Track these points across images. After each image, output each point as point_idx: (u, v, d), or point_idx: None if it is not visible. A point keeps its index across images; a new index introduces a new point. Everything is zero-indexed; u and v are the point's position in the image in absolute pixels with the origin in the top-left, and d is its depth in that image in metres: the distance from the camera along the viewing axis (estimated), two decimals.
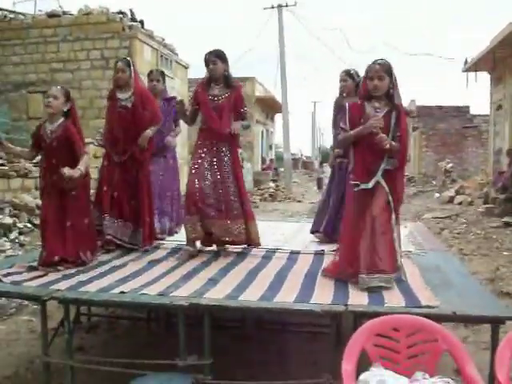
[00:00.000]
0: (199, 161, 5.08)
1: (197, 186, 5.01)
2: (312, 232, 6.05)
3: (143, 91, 5.41)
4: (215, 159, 5.08)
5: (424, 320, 2.92)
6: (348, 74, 5.73)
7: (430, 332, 2.85)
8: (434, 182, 26.54)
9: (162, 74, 6.37)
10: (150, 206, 5.43)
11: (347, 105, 4.27)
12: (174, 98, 6.48)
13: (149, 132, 5.25)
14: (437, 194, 20.80)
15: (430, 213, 15.12)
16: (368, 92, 4.10)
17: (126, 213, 5.26)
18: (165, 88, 6.36)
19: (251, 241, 5.20)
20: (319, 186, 26.22)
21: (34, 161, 11.34)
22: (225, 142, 5.10)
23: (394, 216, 4.05)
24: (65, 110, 4.60)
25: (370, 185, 4.00)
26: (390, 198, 4.03)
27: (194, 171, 5.08)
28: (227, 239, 5.09)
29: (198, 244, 5.21)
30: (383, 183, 4.01)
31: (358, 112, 4.12)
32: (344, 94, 5.75)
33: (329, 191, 6.05)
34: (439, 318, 3.20)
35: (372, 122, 3.97)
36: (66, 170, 4.36)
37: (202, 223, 4.99)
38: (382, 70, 4.00)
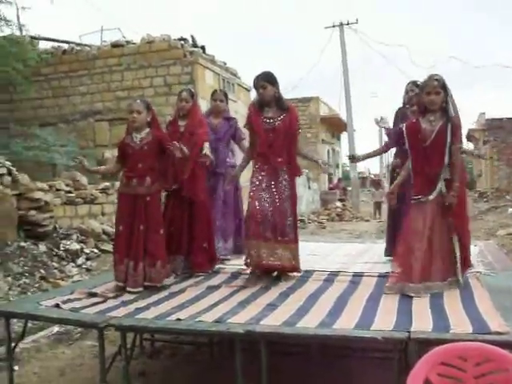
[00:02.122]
0: (257, 183, 5.01)
1: (257, 208, 4.94)
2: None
3: (202, 121, 5.57)
4: (273, 182, 5.00)
5: (493, 348, 2.71)
6: (416, 85, 5.58)
7: (500, 361, 2.64)
8: (508, 197, 25.63)
9: (226, 94, 6.47)
10: (209, 231, 5.46)
11: (404, 128, 4.52)
12: (233, 118, 6.53)
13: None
14: (511, 210, 20.05)
15: (505, 229, 14.54)
16: (424, 106, 4.36)
17: (181, 246, 5.36)
18: (227, 108, 6.44)
19: (296, 267, 5.11)
20: (379, 212, 23.42)
21: (100, 187, 11.78)
22: (283, 166, 5.02)
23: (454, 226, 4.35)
24: (148, 120, 4.82)
25: (431, 197, 4.29)
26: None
27: (252, 194, 5.01)
28: (277, 264, 4.96)
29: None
30: (445, 192, 4.29)
31: (414, 129, 4.39)
32: (407, 106, 5.68)
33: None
34: (510, 346, 2.97)
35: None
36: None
37: (260, 247, 4.90)
38: (439, 86, 4.27)
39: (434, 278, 4.26)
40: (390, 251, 5.74)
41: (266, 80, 4.94)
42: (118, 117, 15.59)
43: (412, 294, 4.16)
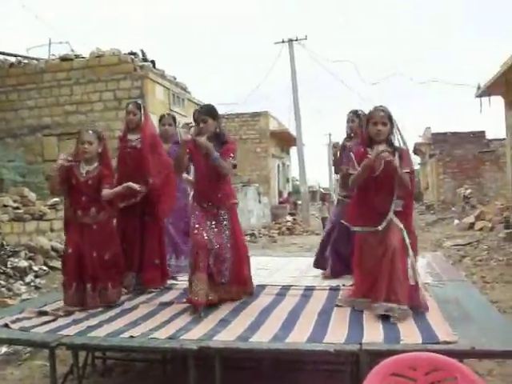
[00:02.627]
0: (198, 220, 4.70)
1: (205, 239, 4.62)
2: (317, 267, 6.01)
3: (153, 134, 5.51)
4: (214, 223, 4.75)
5: (442, 357, 2.77)
6: (356, 115, 5.71)
7: (449, 370, 2.71)
8: (454, 209, 26.29)
9: (174, 118, 6.45)
10: (160, 247, 5.45)
11: (352, 153, 4.46)
12: None
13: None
14: (456, 221, 20.56)
15: (451, 240, 14.91)
16: (370, 137, 4.28)
17: (133, 262, 5.30)
18: (176, 132, 6.36)
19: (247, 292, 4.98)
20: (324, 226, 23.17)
21: (49, 203, 11.58)
22: (223, 204, 4.79)
23: (410, 252, 4.15)
24: (99, 151, 4.74)
25: (380, 228, 4.16)
26: (405, 234, 4.16)
27: (194, 231, 4.67)
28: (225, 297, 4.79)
29: None
30: (396, 221, 4.17)
31: (363, 158, 4.23)
32: (352, 135, 5.74)
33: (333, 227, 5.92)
34: (458, 355, 3.07)
35: (378, 149, 4.12)
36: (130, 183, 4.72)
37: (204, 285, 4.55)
38: (385, 117, 4.21)
39: (387, 298, 4.00)
40: (318, 264, 6.03)
41: (207, 114, 4.71)
42: (67, 131, 15.40)
43: (361, 308, 4.19)
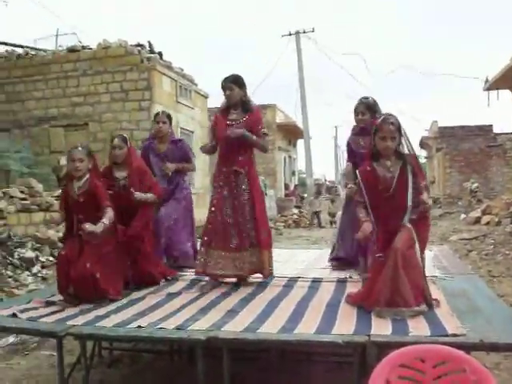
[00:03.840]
0: (218, 190, 5.08)
1: (217, 218, 5.01)
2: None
3: (140, 167, 5.36)
4: (234, 189, 5.06)
5: (450, 350, 2.78)
6: (367, 107, 5.29)
7: (457, 362, 2.71)
8: (460, 203, 26.21)
9: (169, 116, 6.26)
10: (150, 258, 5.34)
11: (358, 174, 4.17)
12: (181, 140, 6.48)
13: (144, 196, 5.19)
14: (463, 215, 20.51)
15: (457, 234, 14.87)
16: (376, 150, 4.06)
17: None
18: (171, 130, 6.31)
19: (263, 270, 5.12)
20: (318, 222, 22.01)
21: (56, 194, 11.60)
22: (242, 168, 5.05)
23: (419, 254, 3.95)
24: (90, 167, 4.74)
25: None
26: (415, 235, 3.94)
27: (213, 202, 5.09)
28: (238, 273, 5.04)
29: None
30: (407, 224, 3.97)
31: (371, 178, 4.07)
32: (361, 127, 5.38)
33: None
34: (466, 347, 3.05)
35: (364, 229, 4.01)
36: (88, 226, 4.44)
37: (215, 255, 4.96)
38: (395, 131, 3.97)
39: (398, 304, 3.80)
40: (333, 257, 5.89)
41: (233, 81, 5.00)
42: (74, 123, 15.40)
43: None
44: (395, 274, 3.79)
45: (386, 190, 4.00)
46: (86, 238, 4.53)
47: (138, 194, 5.09)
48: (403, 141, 4.05)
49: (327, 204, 23.02)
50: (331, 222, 22.34)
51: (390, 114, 4.09)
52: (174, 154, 6.08)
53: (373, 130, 4.08)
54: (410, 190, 3.95)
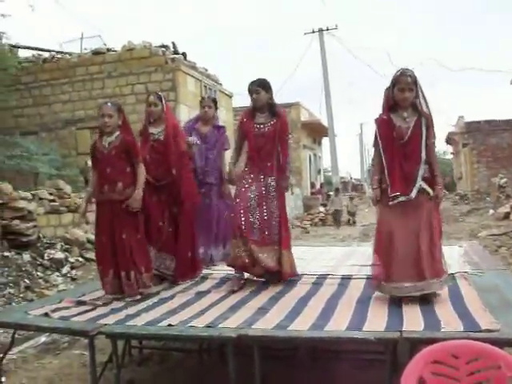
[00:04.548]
0: (246, 186, 5.09)
1: (242, 210, 4.99)
2: None
3: (176, 126, 5.48)
4: (262, 187, 5.07)
5: (484, 345, 2.73)
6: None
7: (492, 358, 2.66)
8: (488, 199, 25.86)
9: (214, 100, 6.44)
10: (193, 239, 5.43)
11: (375, 123, 4.33)
12: (223, 126, 6.60)
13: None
14: (491, 211, 20.24)
15: (486, 230, 14.68)
16: (394, 102, 4.20)
17: (169, 245, 5.27)
18: (216, 115, 6.43)
19: (282, 272, 5.07)
20: (336, 222, 21.08)
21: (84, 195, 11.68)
22: (270, 173, 5.09)
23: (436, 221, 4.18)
24: (119, 123, 4.74)
25: (413, 195, 4.08)
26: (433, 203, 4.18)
27: (240, 195, 5.08)
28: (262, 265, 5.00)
29: (246, 274, 5.16)
30: (426, 187, 4.13)
31: (386, 126, 4.22)
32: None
33: None
34: (500, 343, 3.00)
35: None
36: (131, 202, 4.61)
37: (246, 247, 4.93)
38: (412, 83, 4.11)
39: (419, 277, 4.04)
40: None
41: (260, 85, 5.03)
42: None
43: (397, 294, 4.09)
44: (423, 247, 4.05)
45: (401, 138, 4.16)
46: (133, 205, 4.64)
47: None
48: (420, 96, 4.19)
49: (346, 202, 22.89)
50: (349, 221, 22.26)
51: (407, 68, 4.23)
52: (215, 137, 6.21)
53: (391, 83, 4.22)
54: (424, 142, 4.13)
